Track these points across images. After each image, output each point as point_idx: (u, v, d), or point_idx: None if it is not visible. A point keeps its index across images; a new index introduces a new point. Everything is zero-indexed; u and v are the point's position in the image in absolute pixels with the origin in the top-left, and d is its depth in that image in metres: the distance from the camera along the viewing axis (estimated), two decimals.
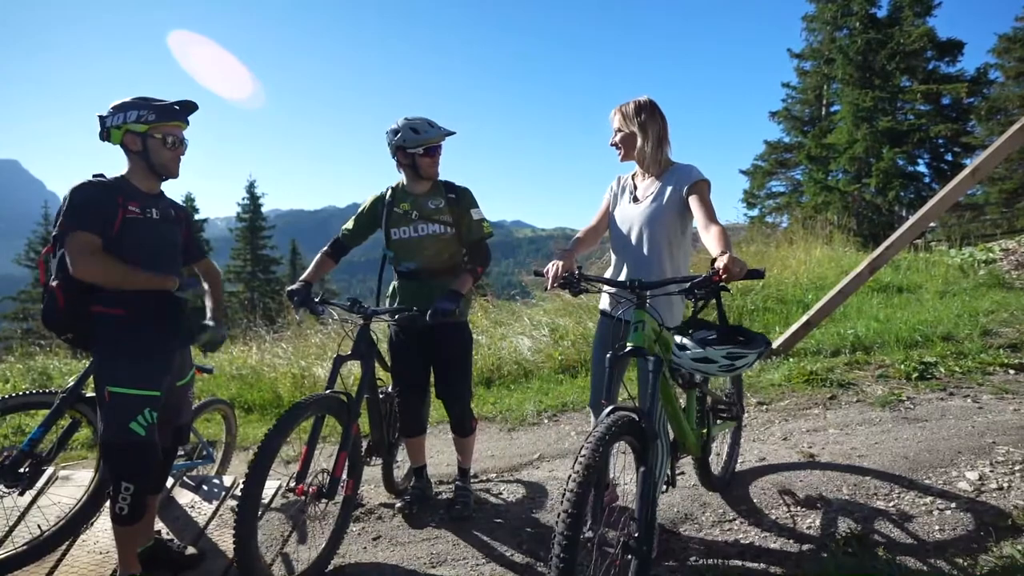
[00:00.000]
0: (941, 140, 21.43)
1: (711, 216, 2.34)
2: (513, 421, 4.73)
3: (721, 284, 2.01)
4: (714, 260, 2.03)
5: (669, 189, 2.51)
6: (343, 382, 2.70)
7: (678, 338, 2.16)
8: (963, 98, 21.07)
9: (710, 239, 2.21)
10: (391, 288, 3.13)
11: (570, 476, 1.74)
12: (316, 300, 2.86)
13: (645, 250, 2.53)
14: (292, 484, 2.41)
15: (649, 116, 2.53)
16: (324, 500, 2.50)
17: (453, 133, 2.97)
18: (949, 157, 21.73)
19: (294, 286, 2.90)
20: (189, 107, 2.42)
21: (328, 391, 2.59)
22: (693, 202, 2.41)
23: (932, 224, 13.17)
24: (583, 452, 1.77)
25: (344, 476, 2.67)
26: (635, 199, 2.61)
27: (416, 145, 2.88)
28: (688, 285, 2.09)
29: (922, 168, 21.84)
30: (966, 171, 4.74)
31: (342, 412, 2.58)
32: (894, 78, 21.47)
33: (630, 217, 2.59)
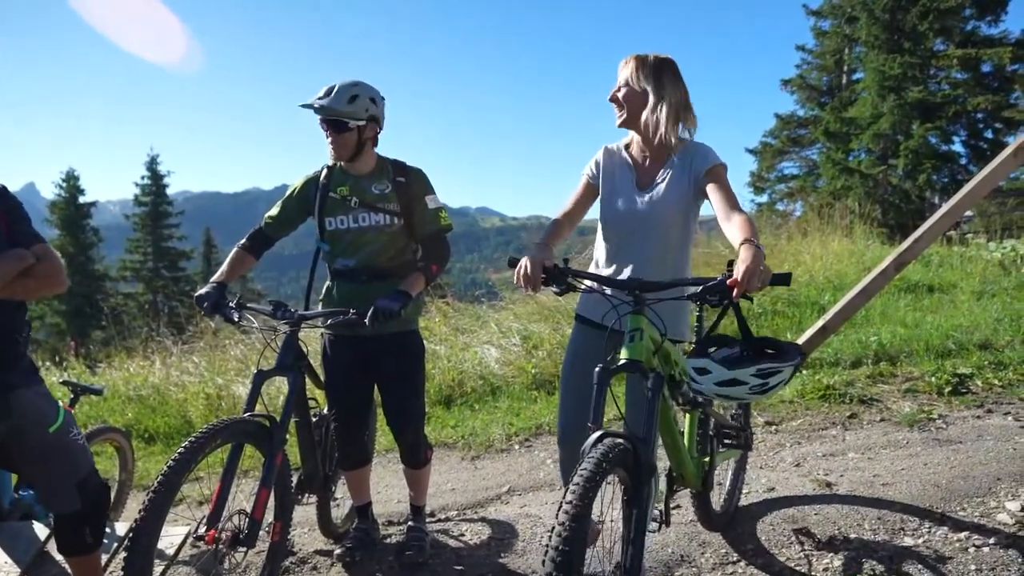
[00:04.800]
0: (980, 114, 21.95)
1: (733, 203, 2.29)
2: (477, 447, 4.74)
3: (744, 293, 1.94)
4: (731, 263, 2.00)
5: (687, 175, 2.45)
6: (264, 404, 2.66)
7: (697, 361, 2.12)
8: (1006, 65, 21.43)
9: (732, 229, 2.16)
10: (324, 289, 3.10)
11: (554, 529, 1.68)
12: (231, 305, 2.82)
13: (657, 250, 2.48)
14: (202, 530, 2.37)
15: (671, 78, 2.44)
16: (243, 548, 2.46)
17: (345, 118, 2.75)
18: (989, 134, 22.29)
19: (204, 289, 2.84)
20: None
21: (246, 414, 2.56)
22: (711, 189, 2.37)
23: (968, 213, 13.55)
24: (570, 498, 1.70)
25: (269, 519, 2.63)
26: (639, 182, 2.53)
27: (307, 103, 2.79)
28: (700, 289, 2.04)
29: (958, 147, 22.37)
30: (1008, 150, 4.87)
31: (263, 439, 2.54)
32: (926, 41, 21.93)
33: (635, 208, 2.50)
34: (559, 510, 1.71)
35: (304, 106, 2.79)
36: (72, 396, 3.86)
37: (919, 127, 20.92)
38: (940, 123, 21.33)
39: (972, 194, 5.07)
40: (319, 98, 2.76)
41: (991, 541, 2.81)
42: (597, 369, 2.06)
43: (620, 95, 2.48)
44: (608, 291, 2.36)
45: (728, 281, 1.94)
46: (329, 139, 2.84)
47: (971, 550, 2.77)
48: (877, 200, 18.73)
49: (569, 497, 1.71)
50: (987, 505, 3.13)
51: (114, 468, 4.13)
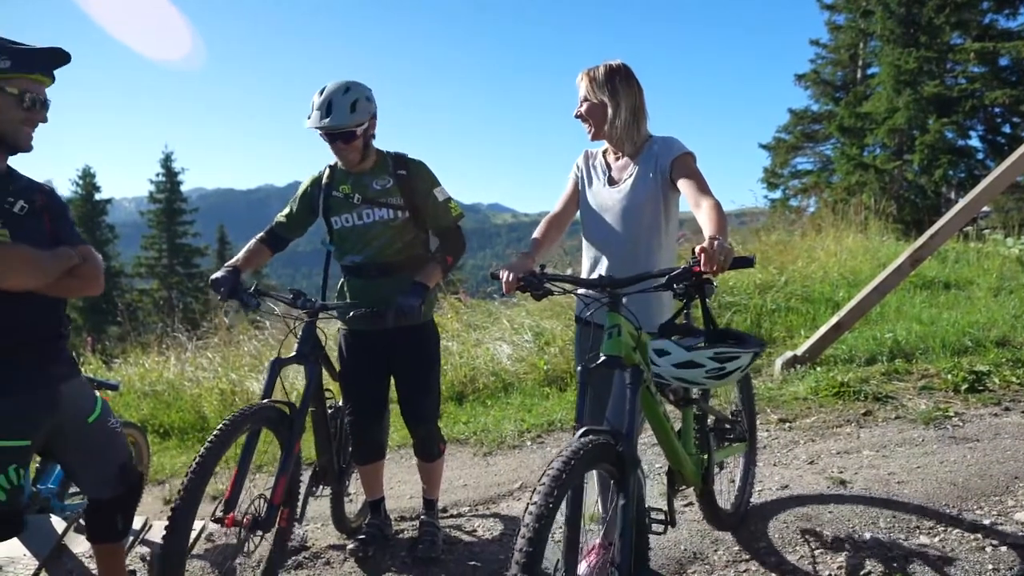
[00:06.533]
0: (998, 109, 21.70)
1: (703, 188, 2.39)
2: (490, 443, 4.75)
3: (705, 276, 2.05)
4: (694, 249, 2.06)
5: (651, 168, 2.54)
6: (285, 392, 2.69)
7: (657, 342, 2.19)
8: None
9: (702, 217, 2.27)
10: (339, 286, 3.12)
11: (519, 530, 1.71)
12: (249, 291, 2.83)
13: (627, 244, 2.57)
14: (219, 513, 2.40)
15: (623, 83, 2.54)
16: (260, 532, 2.51)
17: (353, 127, 2.75)
18: (1007, 129, 22.02)
19: (219, 273, 2.87)
20: (58, 58, 2.07)
21: (267, 400, 2.59)
22: (680, 177, 2.46)
23: (986, 208, 13.43)
24: (536, 499, 1.73)
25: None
26: (611, 181, 2.64)
27: (314, 126, 2.77)
28: (665, 279, 2.13)
29: (975, 142, 22.13)
30: None
31: (283, 426, 2.58)
32: (943, 34, 21.72)
33: (607, 204, 2.62)
34: (525, 511, 1.73)
35: (316, 128, 2.75)
36: None
37: (935, 122, 20.73)
38: (957, 118, 21.10)
39: (989, 189, 5.02)
40: (323, 117, 2.71)
41: (1008, 541, 2.79)
42: (579, 369, 2.16)
43: (583, 111, 2.61)
44: (582, 291, 2.47)
45: (694, 267, 2.04)
46: (338, 150, 2.84)
47: (988, 550, 2.75)
48: (892, 196, 18.57)
49: (535, 498, 1.73)
50: (1004, 504, 3.11)
51: None
